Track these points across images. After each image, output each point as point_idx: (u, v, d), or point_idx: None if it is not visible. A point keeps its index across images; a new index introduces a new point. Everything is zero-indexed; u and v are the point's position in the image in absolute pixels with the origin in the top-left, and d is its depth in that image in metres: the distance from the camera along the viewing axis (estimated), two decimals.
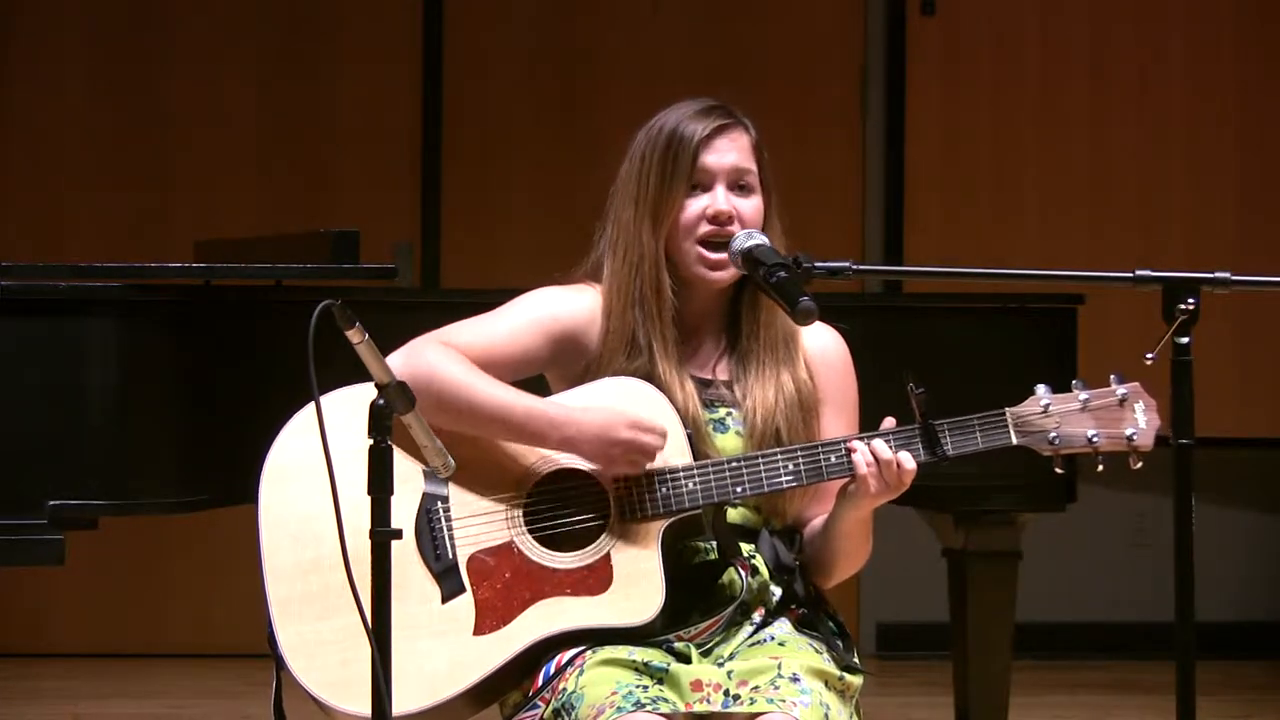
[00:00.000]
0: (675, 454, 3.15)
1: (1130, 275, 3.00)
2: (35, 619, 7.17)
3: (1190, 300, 2.94)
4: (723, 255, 3.20)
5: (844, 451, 3.15)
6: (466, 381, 3.14)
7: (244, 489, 3.28)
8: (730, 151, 3.23)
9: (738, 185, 3.23)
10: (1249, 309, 7.13)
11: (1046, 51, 7.43)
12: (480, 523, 3.14)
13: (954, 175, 7.42)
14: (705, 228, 3.21)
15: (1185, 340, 2.94)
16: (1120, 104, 7.42)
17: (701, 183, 3.23)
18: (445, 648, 3.08)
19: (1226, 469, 7.40)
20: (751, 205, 3.23)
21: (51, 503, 3.82)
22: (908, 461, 3.11)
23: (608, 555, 3.12)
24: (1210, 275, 2.97)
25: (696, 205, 3.22)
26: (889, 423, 3.16)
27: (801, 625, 3.19)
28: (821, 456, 3.15)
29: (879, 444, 3.13)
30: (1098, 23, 7.44)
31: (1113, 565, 7.49)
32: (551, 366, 3.28)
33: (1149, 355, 2.94)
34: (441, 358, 3.15)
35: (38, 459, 3.83)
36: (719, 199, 3.22)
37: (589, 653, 3.07)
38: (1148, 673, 6.92)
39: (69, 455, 3.85)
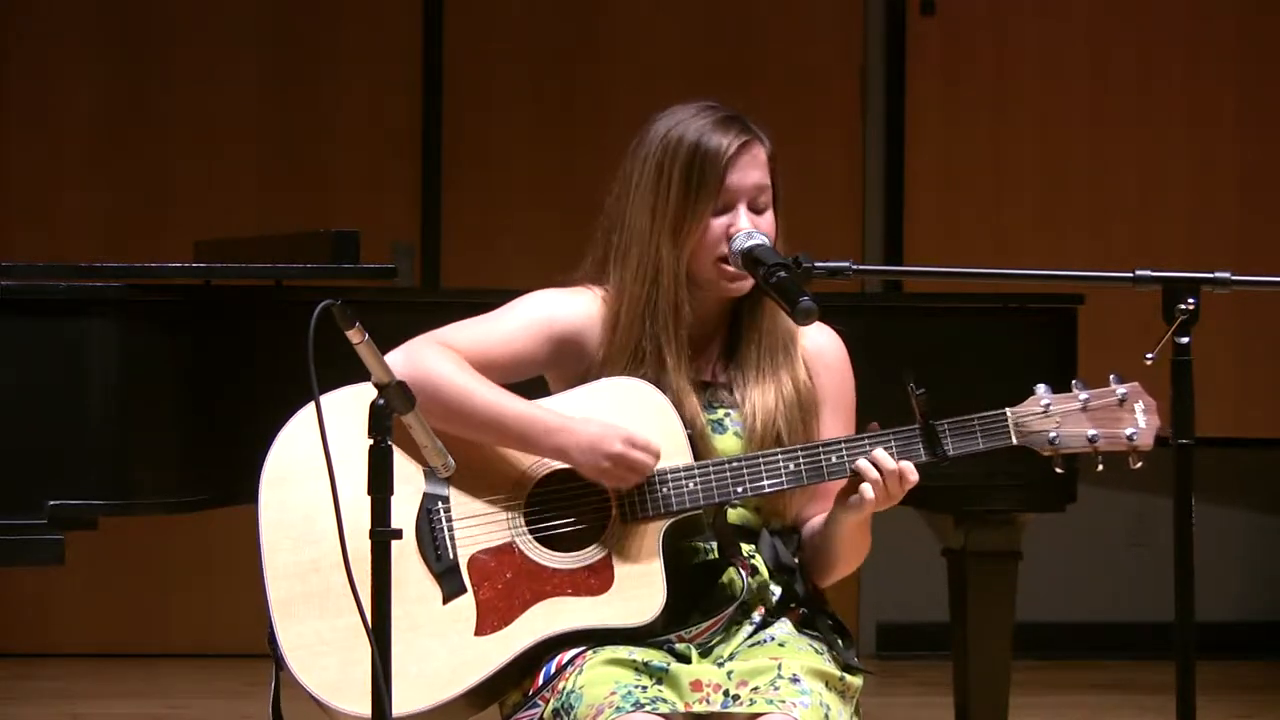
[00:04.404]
0: (676, 454, 3.15)
1: (1130, 275, 3.00)
2: (35, 619, 7.17)
3: (1190, 300, 2.94)
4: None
5: (844, 452, 3.15)
6: (462, 384, 3.14)
7: (244, 489, 3.28)
8: (753, 169, 3.21)
9: (756, 201, 3.23)
10: (1249, 309, 7.13)
11: (1046, 51, 7.43)
12: (481, 523, 3.14)
13: (954, 175, 7.42)
14: (725, 247, 3.20)
15: (1185, 340, 2.94)
16: (1120, 104, 7.42)
17: (725, 201, 3.21)
18: (446, 648, 3.08)
19: (1226, 469, 7.40)
20: (768, 222, 3.22)
21: (51, 503, 3.81)
22: (911, 474, 3.11)
23: (608, 556, 3.12)
24: (1210, 275, 2.97)
25: (719, 224, 3.20)
26: (874, 429, 3.15)
27: (802, 625, 3.19)
28: (822, 457, 3.15)
29: (881, 454, 3.12)
30: (1097, 23, 7.44)
31: (1113, 565, 7.50)
32: (551, 368, 3.27)
33: (1149, 355, 2.94)
34: (439, 359, 3.15)
35: (38, 459, 3.83)
36: (741, 219, 3.20)
37: (589, 653, 3.07)
38: (1148, 673, 6.92)
39: (69, 455, 3.85)
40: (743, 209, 3.20)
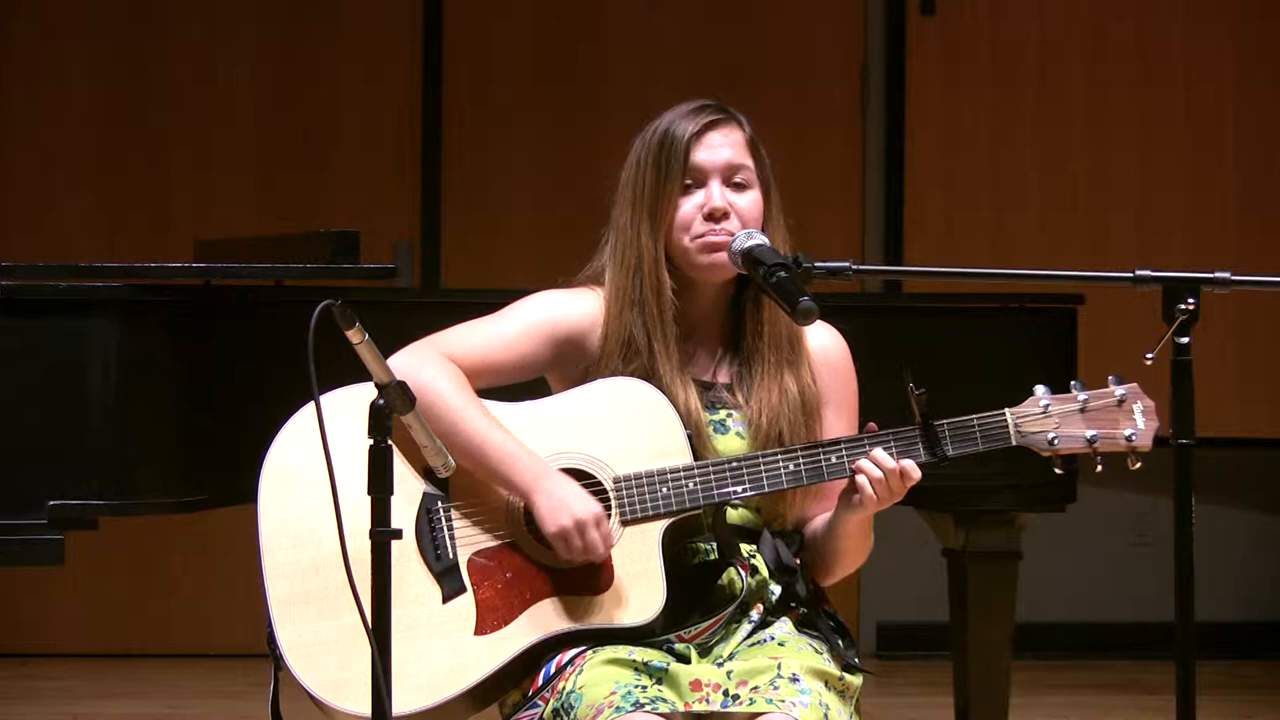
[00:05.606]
0: (675, 454, 3.15)
1: (1130, 275, 3.00)
2: (35, 619, 7.17)
3: (1190, 300, 2.94)
4: (721, 239, 3.19)
5: (844, 452, 3.15)
6: (455, 407, 3.13)
7: (244, 489, 3.28)
8: (723, 147, 3.23)
9: (733, 181, 3.23)
10: (1248, 309, 7.13)
11: (1046, 51, 7.43)
12: (481, 523, 3.14)
13: (954, 175, 7.42)
14: (701, 225, 3.21)
15: (1185, 340, 2.94)
16: (1120, 104, 7.42)
17: (696, 180, 3.22)
18: (446, 648, 3.08)
19: (1226, 469, 7.40)
20: (748, 200, 3.22)
21: (51, 503, 3.81)
22: (913, 471, 3.12)
23: (608, 556, 3.12)
24: (1210, 275, 2.97)
25: (691, 203, 3.22)
26: (871, 429, 3.16)
27: (802, 625, 3.19)
28: (822, 457, 3.15)
29: (881, 454, 3.12)
30: (1098, 22, 7.44)
31: (1113, 565, 7.49)
32: (553, 369, 3.28)
33: (1149, 355, 2.94)
34: (438, 376, 3.14)
35: (38, 459, 3.83)
36: (714, 195, 3.21)
37: (589, 652, 3.07)
38: (1148, 673, 6.92)
39: (69, 455, 3.84)
40: (715, 185, 3.21)
